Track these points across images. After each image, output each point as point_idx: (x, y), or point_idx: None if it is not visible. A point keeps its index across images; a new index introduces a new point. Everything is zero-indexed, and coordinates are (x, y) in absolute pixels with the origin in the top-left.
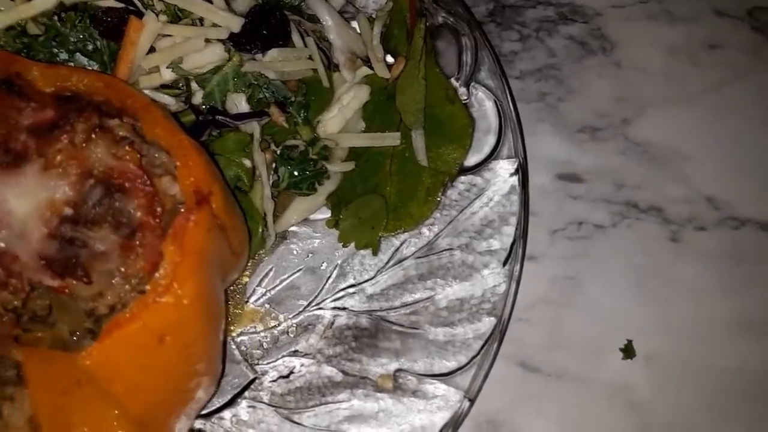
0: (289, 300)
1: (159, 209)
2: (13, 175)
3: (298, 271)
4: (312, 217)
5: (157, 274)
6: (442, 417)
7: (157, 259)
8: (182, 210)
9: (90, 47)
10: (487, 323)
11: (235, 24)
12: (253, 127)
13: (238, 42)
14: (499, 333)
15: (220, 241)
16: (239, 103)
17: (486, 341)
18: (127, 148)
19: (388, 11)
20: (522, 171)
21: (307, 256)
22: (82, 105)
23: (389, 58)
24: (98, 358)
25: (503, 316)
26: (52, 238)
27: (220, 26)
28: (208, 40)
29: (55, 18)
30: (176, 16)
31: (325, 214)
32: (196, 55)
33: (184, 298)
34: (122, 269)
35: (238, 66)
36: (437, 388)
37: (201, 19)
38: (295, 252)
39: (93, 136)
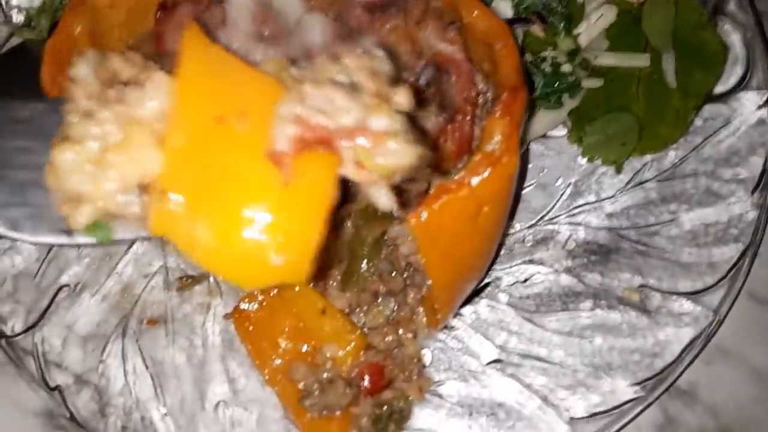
0: (521, 212)
1: (473, 96)
2: (348, 47)
3: (529, 185)
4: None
5: (489, 146)
6: (688, 333)
7: (465, 143)
8: (503, 96)
9: None
10: (734, 248)
11: None
12: (517, 33)
13: None
14: (750, 256)
15: None
16: (504, 8)
17: (735, 264)
18: (455, 33)
19: None
20: None
21: (541, 172)
22: None
23: None
24: (426, 220)
25: (755, 241)
26: None
27: None
28: None
29: None
30: None
31: (559, 132)
32: None
33: (510, 169)
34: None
35: None
36: (683, 305)
37: None
38: (528, 167)
39: (424, 18)
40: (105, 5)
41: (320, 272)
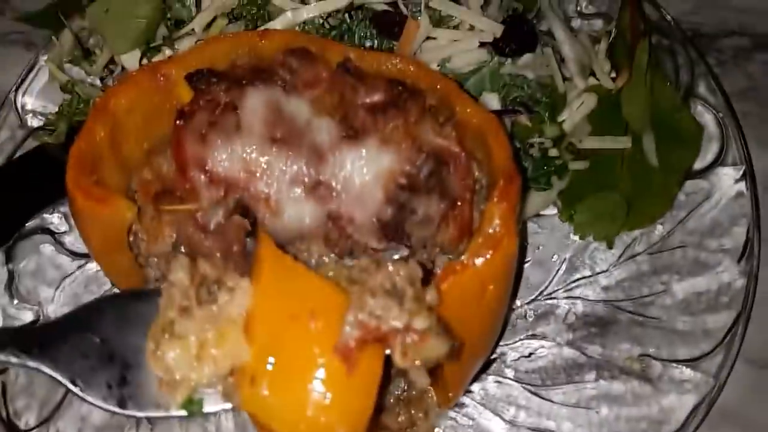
0: (521, 288)
1: (471, 183)
2: (354, 146)
3: (526, 262)
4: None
5: (489, 229)
6: (691, 399)
7: (465, 227)
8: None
9: (368, 43)
10: (727, 315)
11: (498, 30)
12: (505, 122)
13: (496, 46)
14: (743, 322)
15: None
16: (491, 101)
17: (730, 329)
18: (450, 128)
19: (607, 31)
20: (750, 177)
21: (537, 249)
22: (411, 89)
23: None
24: None
25: (746, 307)
26: (387, 203)
27: (482, 31)
28: None
29: (346, 15)
30: (437, 20)
31: (551, 211)
32: (464, 55)
33: (510, 249)
34: (436, 237)
35: (497, 68)
36: (683, 372)
37: (455, 25)
38: (526, 246)
39: (422, 117)
40: (124, 111)
41: None
